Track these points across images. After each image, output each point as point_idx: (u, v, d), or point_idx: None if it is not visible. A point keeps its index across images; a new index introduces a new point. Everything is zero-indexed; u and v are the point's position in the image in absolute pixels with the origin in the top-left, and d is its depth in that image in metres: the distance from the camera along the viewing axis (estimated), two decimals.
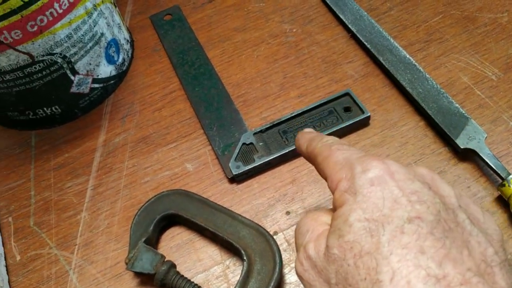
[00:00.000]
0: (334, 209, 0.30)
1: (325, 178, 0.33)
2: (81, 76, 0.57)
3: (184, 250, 0.50)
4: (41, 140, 0.60)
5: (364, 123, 0.55)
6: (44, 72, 0.53)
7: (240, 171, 0.52)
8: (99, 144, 0.59)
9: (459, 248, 0.26)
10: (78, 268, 0.50)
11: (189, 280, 0.45)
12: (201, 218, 0.49)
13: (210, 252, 0.49)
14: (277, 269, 0.44)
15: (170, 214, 0.50)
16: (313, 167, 0.53)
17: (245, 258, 0.45)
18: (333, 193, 0.31)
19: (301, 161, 0.53)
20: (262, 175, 0.53)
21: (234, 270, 0.48)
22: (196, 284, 0.45)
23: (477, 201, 0.48)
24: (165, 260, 0.47)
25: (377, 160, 0.30)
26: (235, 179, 0.53)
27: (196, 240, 0.50)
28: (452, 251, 0.25)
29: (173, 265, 0.46)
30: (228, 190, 0.53)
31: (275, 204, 0.51)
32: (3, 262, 0.51)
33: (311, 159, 0.37)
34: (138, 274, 0.49)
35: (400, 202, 0.27)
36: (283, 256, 0.47)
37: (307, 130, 0.41)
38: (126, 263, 0.47)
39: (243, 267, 0.45)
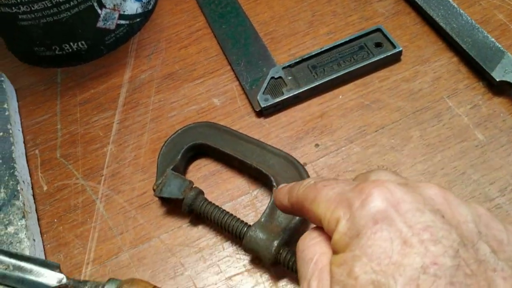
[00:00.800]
0: (334, 251, 0.26)
1: (320, 222, 0.28)
2: (108, 10, 0.57)
3: (212, 181, 0.49)
4: (67, 77, 0.60)
5: (395, 59, 0.53)
6: (71, 3, 0.53)
7: (269, 104, 0.51)
8: (125, 81, 0.58)
9: None
10: (104, 197, 0.50)
11: (217, 206, 0.45)
12: (229, 148, 0.48)
13: (238, 182, 0.49)
14: None
15: (198, 144, 0.50)
16: (343, 100, 0.52)
17: (274, 184, 0.45)
18: (331, 235, 0.26)
19: (330, 95, 0.53)
20: (291, 109, 0.52)
21: (262, 199, 0.48)
22: (224, 210, 0.45)
23: None
24: (193, 186, 0.46)
25: (376, 187, 0.25)
26: (263, 113, 0.52)
27: (223, 171, 0.50)
28: None
29: (201, 192, 0.46)
30: (256, 124, 0.52)
31: (303, 137, 0.50)
32: (30, 191, 0.52)
33: (298, 209, 0.31)
34: (165, 203, 0.49)
35: (411, 244, 0.22)
36: None
37: (281, 186, 0.35)
38: (154, 190, 0.47)
39: (272, 193, 0.44)
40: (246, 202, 0.48)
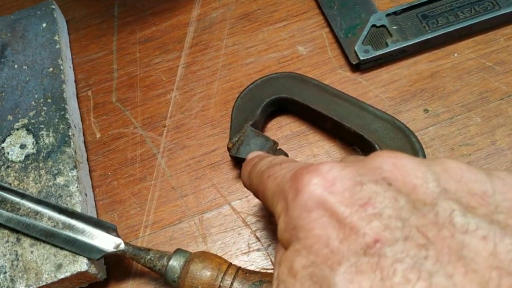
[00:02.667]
0: (284, 249, 0.22)
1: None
2: None
3: (295, 143, 0.42)
4: (125, 10, 0.52)
5: None
6: None
7: (369, 57, 0.42)
8: (192, 18, 0.50)
9: (449, 266, 0.17)
10: (167, 152, 0.43)
11: None
12: (320, 105, 0.40)
13: (327, 147, 0.41)
14: None
15: (281, 98, 0.41)
16: (459, 59, 0.43)
17: None
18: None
19: (443, 52, 0.43)
20: (394, 64, 0.43)
21: None
22: None
23: None
24: (278, 148, 0.38)
25: (309, 174, 0.21)
26: (360, 67, 0.43)
27: (309, 132, 0.42)
28: (437, 279, 0.17)
29: (286, 155, 0.38)
30: (350, 80, 0.43)
31: (409, 99, 0.42)
32: (82, 138, 0.45)
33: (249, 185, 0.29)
34: (239, 164, 0.41)
35: (351, 224, 0.19)
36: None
37: (250, 155, 0.32)
38: (229, 148, 0.39)
39: None
40: None
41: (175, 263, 0.34)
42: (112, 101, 0.46)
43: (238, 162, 0.41)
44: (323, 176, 0.21)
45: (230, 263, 0.34)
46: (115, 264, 0.39)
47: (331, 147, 0.41)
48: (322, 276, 0.19)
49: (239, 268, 0.34)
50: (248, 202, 0.40)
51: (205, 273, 0.33)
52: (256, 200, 0.40)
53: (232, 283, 0.32)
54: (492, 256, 0.17)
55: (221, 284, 0.32)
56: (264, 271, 0.37)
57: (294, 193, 0.21)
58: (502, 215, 0.18)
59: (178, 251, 0.35)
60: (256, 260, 0.37)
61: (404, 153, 0.21)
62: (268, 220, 0.39)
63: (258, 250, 0.38)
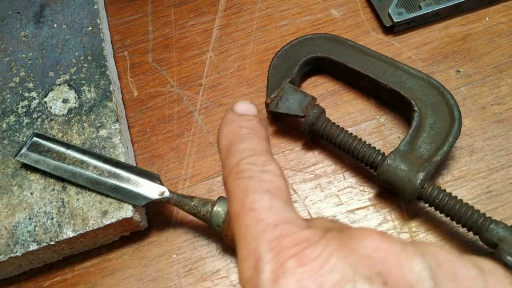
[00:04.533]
0: None
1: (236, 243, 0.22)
2: None
3: (330, 101, 0.43)
4: None
5: None
6: None
7: (402, 19, 0.43)
8: None
9: None
10: (204, 109, 0.44)
11: (343, 129, 0.38)
12: (356, 64, 0.41)
13: (361, 105, 0.42)
14: (455, 126, 0.37)
15: (317, 58, 0.43)
16: (490, 23, 0.44)
17: (416, 109, 0.38)
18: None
19: (474, 16, 0.44)
20: (426, 28, 0.45)
21: (391, 127, 0.41)
22: (352, 134, 0.38)
23: None
24: (316, 103, 0.40)
25: (298, 265, 0.18)
26: (393, 29, 0.44)
27: (344, 92, 0.43)
28: None
29: (323, 111, 0.39)
30: (383, 42, 0.45)
31: (441, 61, 0.43)
32: (120, 96, 0.46)
33: (226, 184, 0.24)
34: (275, 120, 0.42)
35: None
36: None
37: (241, 106, 0.26)
38: (268, 104, 0.40)
39: (413, 119, 0.38)
40: (371, 129, 0.41)
41: (220, 208, 0.35)
42: (148, 61, 0.48)
43: (275, 118, 0.42)
44: (310, 266, 0.18)
45: None
46: (155, 215, 0.40)
47: (365, 105, 0.42)
48: None
49: None
50: (284, 157, 0.41)
51: None
52: (293, 155, 0.41)
53: None
54: None
55: None
56: None
57: (273, 277, 0.18)
58: None
59: (221, 198, 0.36)
60: None
61: (390, 236, 0.19)
62: (303, 176, 0.40)
63: (295, 202, 0.39)
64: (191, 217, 0.40)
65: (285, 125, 0.42)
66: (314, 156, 0.41)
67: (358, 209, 0.38)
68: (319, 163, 0.40)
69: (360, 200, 0.38)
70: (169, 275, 0.38)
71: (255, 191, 0.21)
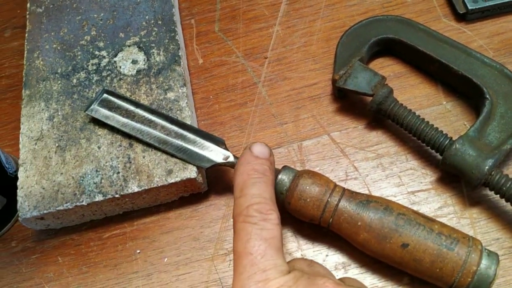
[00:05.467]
0: None
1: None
2: None
3: (397, 83, 0.43)
4: None
5: None
6: None
7: (477, 7, 0.43)
8: None
9: None
10: (268, 82, 0.45)
11: (411, 110, 0.38)
12: (427, 48, 0.41)
13: (428, 90, 0.42)
14: None
15: (388, 39, 0.42)
16: None
17: (487, 96, 0.38)
18: None
19: None
20: (501, 17, 0.44)
21: (457, 114, 0.41)
22: (420, 116, 0.38)
23: None
24: (386, 83, 0.40)
25: None
26: (466, 17, 0.44)
27: (411, 75, 0.43)
28: None
29: (392, 91, 0.39)
30: (454, 29, 0.44)
31: None
32: (186, 62, 0.46)
33: (234, 222, 0.31)
34: (340, 98, 0.43)
35: None
36: None
37: (258, 148, 0.33)
38: (336, 80, 0.41)
39: (483, 107, 0.37)
40: (437, 114, 0.41)
41: (284, 177, 0.36)
42: (215, 31, 0.48)
43: (340, 96, 0.42)
44: None
45: (336, 184, 0.35)
46: (215, 180, 0.41)
47: (432, 90, 0.42)
48: None
49: (345, 188, 0.35)
50: (347, 134, 0.41)
51: (314, 188, 0.34)
52: (356, 133, 0.41)
53: (339, 200, 0.34)
54: None
55: (329, 199, 0.34)
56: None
57: None
58: None
59: (285, 167, 0.36)
60: (354, 188, 0.39)
61: (343, 286, 0.27)
62: (365, 154, 0.40)
63: (355, 178, 0.39)
64: None
65: (349, 103, 0.42)
66: (377, 135, 0.41)
67: (419, 191, 0.38)
68: (382, 143, 0.40)
69: (421, 182, 0.38)
70: (225, 238, 0.39)
71: (255, 239, 0.28)
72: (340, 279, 0.31)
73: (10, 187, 0.41)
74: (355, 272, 0.36)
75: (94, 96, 0.43)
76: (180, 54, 0.44)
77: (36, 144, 0.41)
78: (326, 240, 0.37)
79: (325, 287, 0.27)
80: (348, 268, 0.36)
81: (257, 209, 0.30)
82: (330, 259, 0.37)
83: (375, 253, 0.34)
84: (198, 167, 0.38)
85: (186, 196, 0.41)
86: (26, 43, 0.47)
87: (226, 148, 0.38)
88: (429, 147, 0.38)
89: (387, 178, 0.39)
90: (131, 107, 0.41)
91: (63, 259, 0.40)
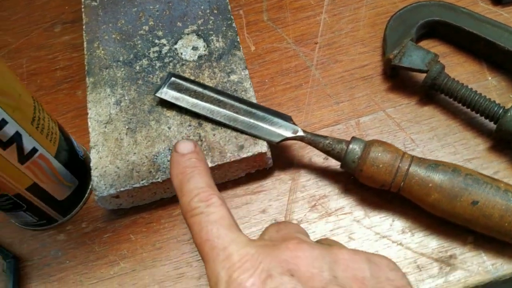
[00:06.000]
0: None
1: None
2: None
3: (443, 63, 0.45)
4: None
5: None
6: None
7: None
8: None
9: None
10: (320, 65, 0.47)
11: (463, 84, 0.41)
12: (471, 28, 0.44)
13: (473, 67, 0.45)
14: None
15: (434, 21, 0.46)
16: None
17: None
18: None
19: None
20: None
21: (502, 88, 0.44)
22: (474, 90, 0.41)
23: None
24: (438, 60, 0.43)
25: (239, 274, 0.27)
26: (502, 1, 0.47)
27: (455, 55, 0.46)
28: None
29: (444, 67, 0.42)
30: (491, 12, 0.48)
31: None
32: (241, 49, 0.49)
33: (185, 219, 0.32)
34: (388, 79, 0.46)
35: None
36: None
37: (181, 146, 0.34)
38: (390, 59, 0.44)
39: None
40: (482, 90, 0.44)
41: (355, 146, 0.38)
42: (264, 20, 0.51)
43: (392, 75, 0.45)
44: (246, 274, 0.27)
45: (404, 152, 0.38)
46: (278, 157, 0.43)
47: (476, 67, 0.45)
48: None
49: (413, 155, 0.38)
50: (401, 110, 0.44)
51: (386, 154, 0.37)
52: (409, 109, 0.44)
53: (409, 165, 0.37)
54: None
55: (399, 165, 0.37)
56: None
57: (226, 286, 0.27)
58: None
59: (354, 138, 0.39)
60: None
61: (308, 244, 0.28)
62: (420, 127, 0.43)
63: (413, 150, 0.42)
64: (312, 160, 0.43)
65: (400, 81, 0.45)
66: (429, 110, 0.44)
67: (473, 158, 0.41)
68: (435, 116, 0.43)
69: (475, 151, 0.41)
70: (294, 209, 0.41)
71: (206, 225, 0.30)
72: (318, 240, 0.32)
73: (81, 170, 0.43)
74: (420, 235, 0.39)
75: (159, 81, 0.45)
76: (238, 39, 0.46)
77: (105, 127, 0.43)
78: (391, 207, 0.40)
79: (287, 249, 0.28)
80: (414, 231, 0.39)
81: (198, 200, 0.31)
82: (396, 224, 0.39)
83: (445, 212, 0.36)
84: (268, 142, 0.41)
85: (252, 172, 0.43)
86: (84, 35, 0.49)
87: (294, 123, 0.41)
88: (482, 117, 0.41)
89: (443, 148, 0.42)
90: (199, 89, 0.43)
91: (136, 236, 0.42)
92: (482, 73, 0.45)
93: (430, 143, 0.42)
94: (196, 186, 0.32)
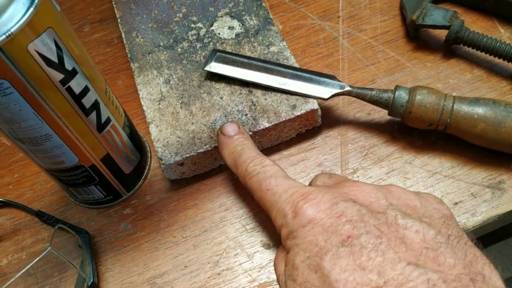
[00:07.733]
0: (286, 252, 0.31)
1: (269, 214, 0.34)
2: None
3: None
4: None
5: None
6: None
7: None
8: None
9: (396, 247, 0.27)
10: (347, 35, 0.51)
11: (485, 35, 0.46)
12: None
13: (485, 23, 0.50)
14: None
15: None
16: None
17: None
18: (279, 235, 0.32)
19: None
20: None
21: None
22: (494, 38, 0.46)
23: None
24: (458, 16, 0.47)
25: (303, 201, 0.31)
26: None
27: (467, 14, 0.51)
28: (388, 255, 0.27)
29: (463, 22, 0.47)
30: None
31: None
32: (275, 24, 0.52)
33: (245, 184, 0.37)
34: (411, 41, 0.50)
35: (331, 229, 0.29)
36: None
37: (228, 129, 0.40)
38: (414, 20, 0.48)
39: None
40: None
41: (401, 92, 0.42)
42: (285, 2, 0.55)
43: (414, 36, 0.50)
44: (313, 203, 0.30)
45: (446, 94, 0.42)
46: (324, 117, 0.46)
47: (488, 23, 0.50)
48: (315, 264, 0.28)
49: (454, 95, 0.42)
50: (426, 68, 0.48)
51: (430, 96, 0.41)
52: (435, 64, 0.48)
53: (453, 102, 0.41)
54: (422, 241, 0.27)
55: (444, 103, 0.41)
56: None
57: (293, 215, 0.30)
58: (427, 219, 0.30)
59: (398, 86, 0.43)
60: None
61: (362, 182, 0.32)
62: (448, 79, 0.47)
63: None
64: (356, 115, 0.46)
65: (422, 41, 0.50)
66: (454, 62, 0.48)
67: (501, 98, 0.45)
68: (460, 69, 0.48)
69: (501, 92, 0.46)
70: (348, 160, 0.44)
71: (264, 179, 0.34)
72: None
73: (141, 146, 0.45)
74: (468, 167, 0.42)
75: (202, 59, 0.48)
76: (271, 16, 0.50)
77: (159, 104, 0.45)
78: (436, 147, 0.43)
79: (344, 186, 0.32)
80: (462, 165, 0.42)
81: (253, 164, 0.36)
82: (444, 160, 0.43)
83: (491, 140, 0.40)
84: (318, 100, 0.44)
85: (303, 132, 0.46)
86: (120, 27, 0.51)
87: (339, 80, 0.44)
88: (505, 61, 0.45)
89: (472, 93, 0.46)
90: (245, 60, 0.46)
91: (202, 201, 0.44)
92: (494, 27, 0.50)
93: (459, 91, 0.46)
94: (249, 156, 0.37)
